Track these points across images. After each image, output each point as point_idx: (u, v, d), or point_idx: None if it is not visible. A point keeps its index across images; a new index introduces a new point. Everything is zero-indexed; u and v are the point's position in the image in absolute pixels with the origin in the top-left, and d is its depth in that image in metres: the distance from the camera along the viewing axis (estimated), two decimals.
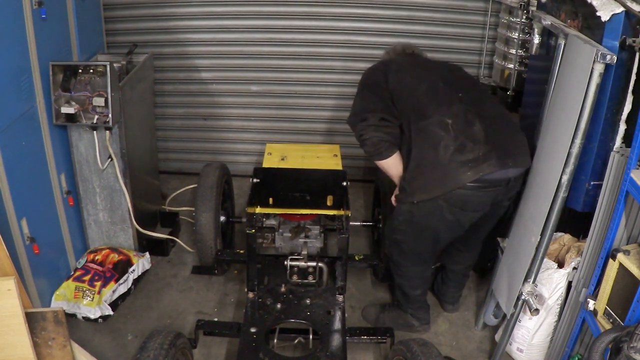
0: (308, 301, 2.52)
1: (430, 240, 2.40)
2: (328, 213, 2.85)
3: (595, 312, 2.01)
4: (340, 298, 2.55)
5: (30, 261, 2.46)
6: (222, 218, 3.03)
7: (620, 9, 1.85)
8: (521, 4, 2.90)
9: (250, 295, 2.55)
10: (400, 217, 2.36)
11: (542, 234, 2.12)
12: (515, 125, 2.35)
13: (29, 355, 2.01)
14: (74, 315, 2.70)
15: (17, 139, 2.36)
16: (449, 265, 2.78)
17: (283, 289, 2.59)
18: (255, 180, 2.77)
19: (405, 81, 2.32)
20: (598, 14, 1.90)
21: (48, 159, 2.63)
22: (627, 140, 1.96)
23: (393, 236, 2.45)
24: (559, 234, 2.46)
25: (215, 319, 2.77)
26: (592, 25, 1.98)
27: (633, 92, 1.92)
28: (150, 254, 3.08)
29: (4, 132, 2.25)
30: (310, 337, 2.37)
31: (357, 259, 2.86)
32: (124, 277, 2.85)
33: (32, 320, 2.04)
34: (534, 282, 2.22)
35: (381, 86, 2.34)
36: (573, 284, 2.24)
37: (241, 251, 2.91)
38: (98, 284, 2.75)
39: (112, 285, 2.78)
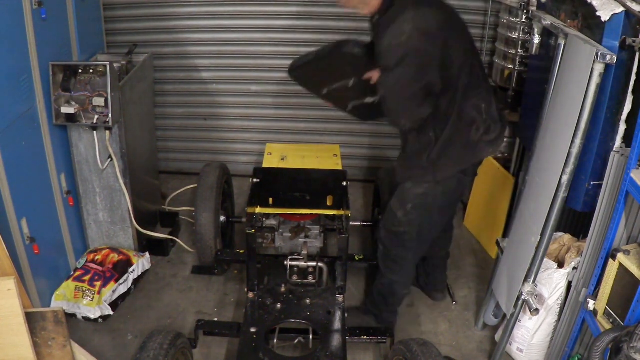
0: (308, 301, 2.52)
1: (437, 223, 2.44)
2: (328, 213, 2.85)
3: (595, 312, 2.01)
4: (340, 298, 2.55)
5: (30, 261, 2.46)
6: (222, 218, 3.03)
7: (620, 9, 1.85)
8: (521, 4, 2.89)
9: (250, 295, 2.55)
10: (409, 204, 2.34)
11: (542, 234, 2.11)
12: None
13: (29, 355, 2.01)
14: (74, 315, 2.70)
15: (17, 139, 2.36)
16: (433, 253, 2.79)
17: (283, 289, 2.59)
18: (255, 180, 2.77)
19: (456, 62, 2.12)
20: (598, 14, 1.90)
21: (48, 159, 2.63)
22: (627, 140, 1.96)
23: (396, 229, 2.43)
24: (559, 234, 2.46)
25: (215, 319, 2.77)
26: (592, 25, 1.98)
27: (633, 92, 1.92)
28: (150, 254, 3.08)
29: (4, 132, 2.25)
30: (310, 337, 2.37)
31: (357, 259, 2.86)
32: (124, 277, 2.85)
33: (32, 320, 2.04)
34: (534, 282, 2.22)
35: (434, 63, 2.07)
36: (573, 284, 2.24)
37: (241, 251, 2.91)
38: (98, 284, 2.75)
39: (112, 285, 2.78)
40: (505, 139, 3.27)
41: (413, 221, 2.37)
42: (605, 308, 1.95)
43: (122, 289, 2.84)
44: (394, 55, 2.06)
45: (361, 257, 2.89)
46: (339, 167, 2.98)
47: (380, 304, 2.63)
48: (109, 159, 2.78)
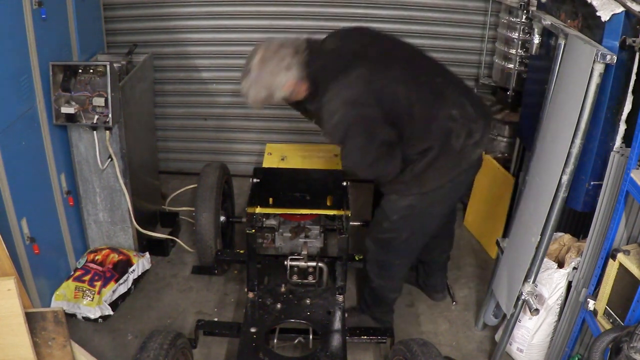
0: (308, 301, 2.52)
1: (425, 230, 2.40)
2: (328, 213, 2.85)
3: (595, 312, 2.01)
4: (340, 298, 2.55)
5: (30, 261, 2.46)
6: (222, 218, 3.03)
7: (620, 9, 1.85)
8: (521, 4, 2.90)
9: (250, 295, 2.55)
10: (395, 215, 2.32)
11: (542, 234, 2.11)
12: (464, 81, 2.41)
13: (29, 355, 2.01)
14: (74, 315, 2.71)
15: (17, 139, 2.36)
16: (434, 258, 2.80)
17: (283, 289, 2.58)
18: (255, 180, 2.77)
19: (400, 96, 2.10)
20: (598, 14, 1.90)
21: (48, 159, 2.63)
22: (627, 140, 1.96)
23: (382, 236, 2.41)
24: (559, 234, 2.46)
25: (215, 319, 2.77)
26: (592, 25, 1.98)
27: (633, 92, 1.92)
28: (150, 254, 3.08)
29: (4, 132, 2.25)
30: (310, 337, 2.37)
31: (357, 259, 2.85)
32: (124, 277, 2.85)
33: (32, 320, 2.04)
34: (534, 282, 2.22)
35: (378, 121, 2.09)
36: (573, 284, 2.24)
37: (241, 251, 2.91)
38: (98, 284, 2.75)
39: (112, 285, 2.78)
40: (505, 139, 3.28)
41: (399, 229, 2.35)
42: (605, 308, 1.95)
43: (122, 289, 2.84)
44: (338, 135, 2.12)
45: (361, 257, 2.88)
46: (339, 167, 2.98)
47: (372, 306, 2.64)
48: (109, 159, 2.78)
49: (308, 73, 2.15)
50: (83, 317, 2.71)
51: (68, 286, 2.76)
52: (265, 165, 2.99)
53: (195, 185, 3.13)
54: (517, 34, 3.02)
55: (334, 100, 2.07)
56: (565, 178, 1.99)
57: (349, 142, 2.12)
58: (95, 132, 2.70)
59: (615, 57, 1.79)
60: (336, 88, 2.07)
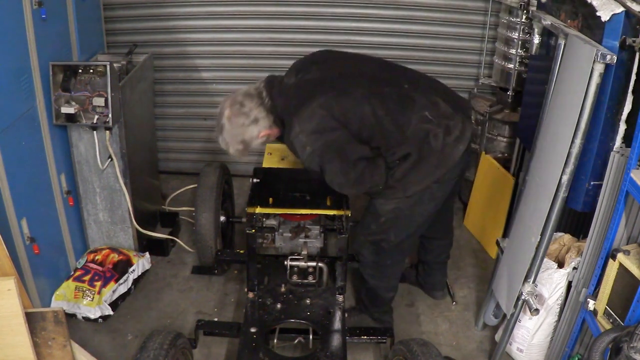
0: (308, 301, 2.52)
1: (415, 229, 2.41)
2: (328, 213, 2.85)
3: (595, 312, 2.01)
4: (340, 298, 2.55)
5: (30, 261, 2.46)
6: (222, 218, 3.03)
7: (620, 9, 1.85)
8: (521, 4, 2.90)
9: (250, 295, 2.55)
10: (382, 218, 2.34)
11: (542, 234, 2.11)
12: (437, 80, 2.43)
13: (29, 355, 2.01)
14: (74, 315, 2.71)
15: (17, 139, 2.36)
16: (432, 258, 2.80)
17: (283, 289, 2.59)
18: (255, 180, 2.77)
19: (366, 113, 2.14)
20: (598, 14, 1.90)
21: (48, 159, 2.63)
22: (627, 140, 1.96)
23: (371, 238, 2.43)
24: (559, 234, 2.46)
25: (215, 319, 2.77)
26: (592, 25, 1.98)
27: (633, 92, 1.92)
28: (150, 254, 3.08)
29: (4, 132, 2.25)
30: (310, 337, 2.38)
31: (357, 258, 2.86)
32: (124, 277, 2.85)
33: (32, 320, 2.04)
34: (534, 282, 2.22)
35: (348, 142, 2.15)
36: (573, 284, 2.24)
37: (241, 251, 2.91)
38: (98, 284, 2.75)
39: (112, 285, 2.78)
40: (505, 139, 3.28)
41: (387, 230, 2.37)
42: (605, 308, 1.96)
43: (122, 289, 2.84)
44: (315, 165, 2.19)
45: None
46: None
47: (370, 306, 2.65)
48: (109, 159, 2.78)
49: (275, 118, 2.25)
50: (83, 317, 2.71)
51: (68, 286, 2.76)
52: (265, 165, 2.99)
53: (195, 185, 3.13)
54: (517, 34, 3.02)
55: (300, 134, 2.14)
56: (565, 178, 1.99)
57: (327, 168, 2.18)
58: (95, 132, 2.70)
59: (615, 57, 1.79)
60: (299, 123, 2.14)
